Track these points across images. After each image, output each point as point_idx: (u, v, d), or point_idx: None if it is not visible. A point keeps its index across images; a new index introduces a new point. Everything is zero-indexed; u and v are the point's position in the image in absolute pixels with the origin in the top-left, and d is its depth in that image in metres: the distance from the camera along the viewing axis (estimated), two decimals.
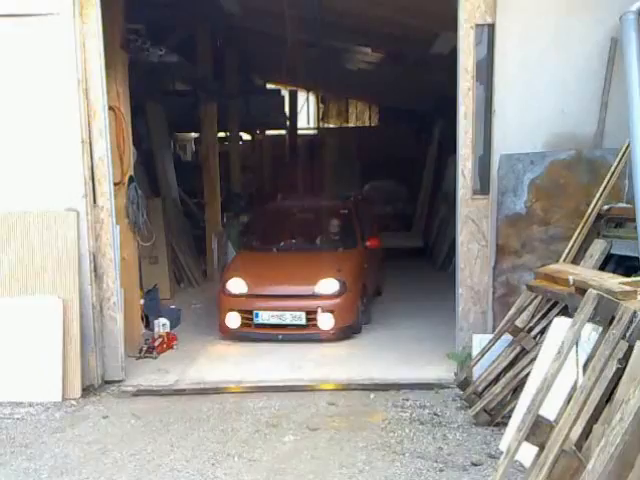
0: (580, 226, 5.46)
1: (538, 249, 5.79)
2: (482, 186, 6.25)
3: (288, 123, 20.25)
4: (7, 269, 6.09)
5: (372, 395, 5.94)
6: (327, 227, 9.07)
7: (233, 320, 7.79)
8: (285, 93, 19.39)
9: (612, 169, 5.44)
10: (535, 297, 5.25)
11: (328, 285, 7.76)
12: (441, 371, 6.39)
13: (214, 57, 12.18)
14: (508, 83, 5.98)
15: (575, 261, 5.37)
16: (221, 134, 14.03)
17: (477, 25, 6.04)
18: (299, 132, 21.46)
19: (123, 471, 4.64)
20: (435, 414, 5.47)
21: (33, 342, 5.96)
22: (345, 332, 7.79)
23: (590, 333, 3.73)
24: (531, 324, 5.23)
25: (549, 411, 3.59)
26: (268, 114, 17.01)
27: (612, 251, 5.17)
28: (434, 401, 5.76)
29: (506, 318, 5.41)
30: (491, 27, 6.00)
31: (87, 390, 6.18)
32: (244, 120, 15.26)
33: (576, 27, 5.89)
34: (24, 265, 6.09)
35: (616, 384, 3.39)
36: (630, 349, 3.34)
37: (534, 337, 5.13)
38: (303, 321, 7.65)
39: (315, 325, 7.63)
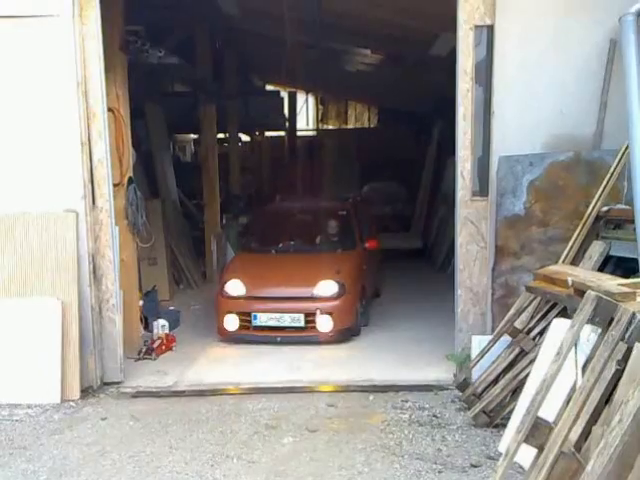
0: (579, 227, 5.46)
1: (537, 250, 5.79)
2: (481, 187, 6.25)
3: (287, 124, 20.27)
4: (6, 270, 6.09)
5: (371, 397, 5.94)
6: (326, 228, 9.05)
7: (231, 322, 7.76)
8: (284, 94, 19.40)
9: (611, 170, 5.44)
10: (534, 298, 5.25)
11: (327, 287, 7.74)
12: (440, 372, 6.39)
13: (213, 58, 12.18)
14: (507, 84, 5.98)
15: (574, 262, 5.37)
16: (220, 135, 14.03)
17: (476, 26, 6.05)
18: (298, 133, 21.47)
19: (122, 473, 4.63)
20: (434, 415, 5.47)
21: (32, 344, 5.95)
22: (344, 334, 7.76)
23: (589, 334, 3.73)
24: (530, 325, 5.24)
25: (548, 412, 3.58)
26: (267, 115, 17.03)
27: (611, 252, 5.17)
28: (433, 402, 5.76)
29: (505, 319, 5.41)
30: (490, 28, 6.01)
31: (86, 392, 6.17)
32: (243, 121, 15.27)
33: (575, 28, 5.90)
34: (23, 266, 6.09)
35: (615, 385, 3.39)
36: (629, 350, 3.34)
37: (533, 338, 5.13)
38: (302, 323, 7.62)
39: (314, 327, 7.60)
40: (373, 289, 9.47)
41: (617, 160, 5.43)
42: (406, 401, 5.80)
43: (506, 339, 5.36)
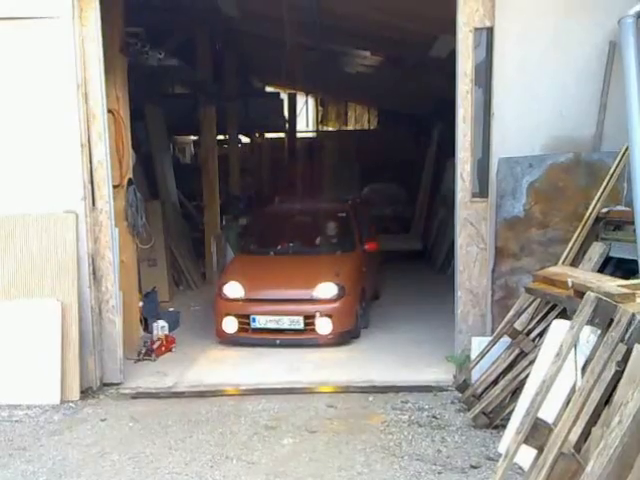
0: (579, 229, 5.47)
1: (537, 252, 5.79)
2: (481, 189, 6.26)
3: (287, 126, 20.27)
4: (6, 272, 6.09)
5: (371, 398, 5.94)
6: (325, 230, 9.03)
7: (230, 325, 7.72)
8: (284, 96, 19.42)
9: (611, 172, 5.45)
10: (534, 300, 5.26)
11: (326, 289, 7.69)
12: (440, 374, 6.39)
13: (213, 60, 12.19)
14: (507, 86, 5.98)
15: (574, 264, 5.38)
16: (220, 137, 14.03)
17: (476, 29, 6.05)
18: (298, 135, 21.48)
19: (122, 474, 4.63)
20: (434, 417, 5.47)
21: (32, 345, 5.95)
22: (344, 337, 7.72)
23: (589, 336, 3.73)
24: (530, 327, 5.24)
25: (548, 413, 3.58)
26: (267, 117, 17.04)
27: (611, 254, 5.17)
28: (433, 403, 5.76)
29: (505, 321, 5.42)
30: (490, 30, 6.01)
31: (85, 393, 6.17)
32: (243, 123, 15.29)
33: (575, 30, 5.90)
34: (23, 268, 6.09)
35: (615, 387, 3.39)
36: (629, 352, 3.34)
37: (533, 340, 5.13)
38: (301, 326, 7.57)
39: (313, 330, 7.55)
40: (373, 291, 9.45)
41: (617, 162, 5.44)
42: (406, 402, 5.81)
43: (506, 340, 5.36)
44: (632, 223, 4.92)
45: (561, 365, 3.60)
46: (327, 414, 5.61)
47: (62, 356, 5.97)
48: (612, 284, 3.95)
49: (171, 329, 7.95)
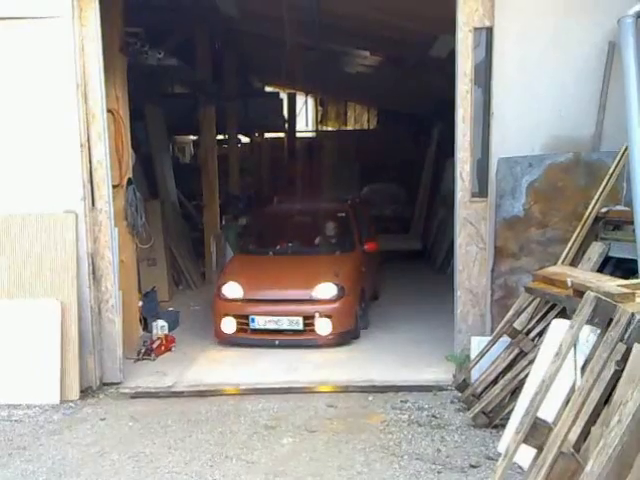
0: (578, 229, 5.47)
1: (536, 252, 5.80)
2: (480, 189, 6.26)
3: (287, 126, 20.29)
4: (5, 271, 6.09)
5: (370, 397, 5.94)
6: (324, 230, 9.01)
7: (229, 325, 7.68)
8: (284, 96, 19.42)
9: (610, 172, 5.45)
10: (533, 299, 5.26)
11: (326, 289, 7.65)
12: (440, 373, 6.40)
13: (213, 60, 12.20)
14: (506, 86, 5.98)
15: (573, 263, 5.38)
16: (220, 137, 14.03)
17: (475, 29, 6.05)
18: (298, 135, 21.49)
19: (121, 473, 4.63)
20: (433, 416, 5.47)
21: (31, 344, 5.96)
22: (343, 337, 7.68)
23: (588, 335, 3.74)
24: (529, 326, 5.24)
25: (547, 413, 3.59)
26: (267, 117, 17.04)
27: (610, 254, 5.18)
28: (432, 403, 5.76)
29: (504, 320, 5.42)
30: (489, 30, 6.01)
31: (85, 392, 6.17)
32: (243, 123, 15.30)
33: (574, 29, 5.91)
34: (23, 267, 6.09)
35: (614, 386, 3.40)
36: (628, 351, 3.35)
37: (532, 339, 5.14)
38: (300, 326, 7.53)
39: (313, 330, 7.52)
40: (372, 291, 9.44)
41: (616, 161, 5.44)
42: (405, 401, 5.81)
43: (505, 340, 5.36)
44: (631, 223, 4.92)
45: (560, 364, 3.60)
46: (327, 414, 5.61)
47: (62, 356, 5.97)
48: (611, 284, 3.95)
49: (171, 329, 7.96)
